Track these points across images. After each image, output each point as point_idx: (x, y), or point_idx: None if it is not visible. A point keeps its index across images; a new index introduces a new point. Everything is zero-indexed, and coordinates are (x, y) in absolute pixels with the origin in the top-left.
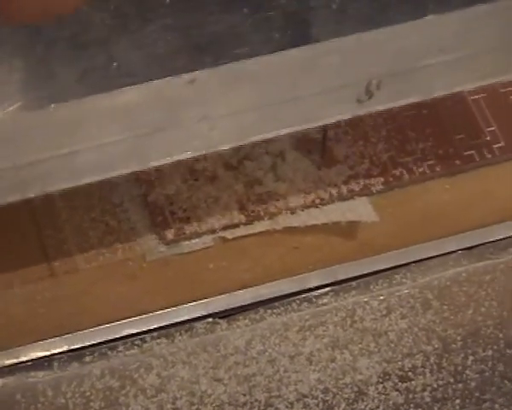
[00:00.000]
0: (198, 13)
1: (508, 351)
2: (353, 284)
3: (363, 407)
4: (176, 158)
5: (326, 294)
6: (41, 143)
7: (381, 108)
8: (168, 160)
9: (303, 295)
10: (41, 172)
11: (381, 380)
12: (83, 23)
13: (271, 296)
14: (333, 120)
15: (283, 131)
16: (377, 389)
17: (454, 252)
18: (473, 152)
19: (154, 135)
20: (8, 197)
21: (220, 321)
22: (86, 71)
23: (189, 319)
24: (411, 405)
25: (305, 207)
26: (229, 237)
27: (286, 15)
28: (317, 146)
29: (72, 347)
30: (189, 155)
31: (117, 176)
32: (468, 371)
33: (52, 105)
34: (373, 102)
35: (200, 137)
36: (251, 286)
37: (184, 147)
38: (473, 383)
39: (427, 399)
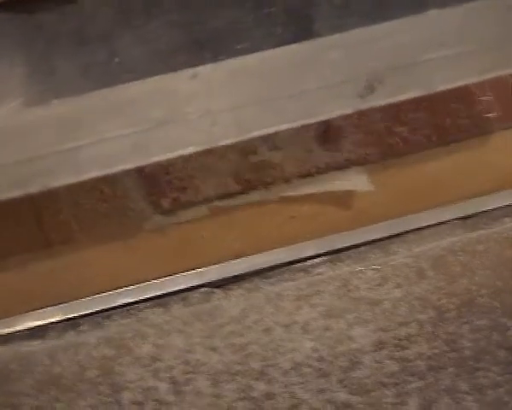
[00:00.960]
0: (200, 9)
1: (502, 320)
2: (349, 253)
3: (358, 375)
4: (177, 153)
5: (321, 263)
6: (43, 138)
7: (382, 102)
8: (170, 155)
9: (298, 265)
10: (43, 167)
11: (375, 349)
12: (86, 18)
13: (267, 266)
14: (334, 115)
15: (284, 126)
16: (372, 357)
17: (449, 222)
18: (468, 121)
19: (156, 130)
20: (9, 193)
21: (216, 290)
22: (89, 66)
23: (184, 289)
24: (406, 373)
25: (301, 176)
26: (225, 206)
27: (288, 11)
28: None
29: (68, 316)
30: (190, 149)
31: (120, 171)
32: (462, 340)
33: (54, 100)
34: (375, 97)
35: (201, 131)
36: (246, 256)
37: (186, 142)
38: (467, 352)
39: (422, 367)
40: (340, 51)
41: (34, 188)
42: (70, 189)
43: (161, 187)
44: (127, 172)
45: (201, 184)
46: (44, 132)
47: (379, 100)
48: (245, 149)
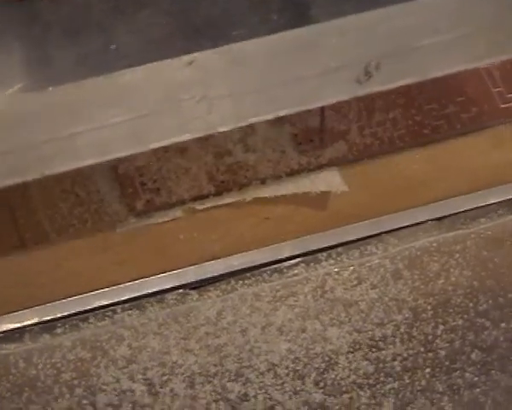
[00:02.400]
0: (196, 10)
1: (478, 320)
2: (324, 254)
3: (333, 376)
4: (175, 140)
5: (297, 264)
6: (39, 126)
7: (379, 88)
8: (167, 142)
9: (274, 266)
10: (40, 155)
11: (351, 350)
12: (82, 6)
13: (242, 267)
14: (332, 102)
15: (282, 113)
16: (348, 358)
17: (424, 222)
18: (443, 122)
19: (153, 117)
20: (6, 181)
21: (191, 292)
22: (85, 54)
23: (160, 290)
24: (381, 374)
25: (275, 177)
26: (199, 207)
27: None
28: (289, 116)
29: (44, 318)
30: (187, 136)
31: (117, 158)
32: (438, 341)
33: (50, 88)
34: (372, 83)
35: (198, 118)
36: (222, 257)
37: (183, 129)
38: (443, 353)
39: (398, 368)
40: (337, 37)
41: (31, 176)
42: (45, 190)
43: (135, 189)
44: (101, 174)
45: (175, 185)
46: (41, 120)
47: (376, 86)
48: (219, 150)
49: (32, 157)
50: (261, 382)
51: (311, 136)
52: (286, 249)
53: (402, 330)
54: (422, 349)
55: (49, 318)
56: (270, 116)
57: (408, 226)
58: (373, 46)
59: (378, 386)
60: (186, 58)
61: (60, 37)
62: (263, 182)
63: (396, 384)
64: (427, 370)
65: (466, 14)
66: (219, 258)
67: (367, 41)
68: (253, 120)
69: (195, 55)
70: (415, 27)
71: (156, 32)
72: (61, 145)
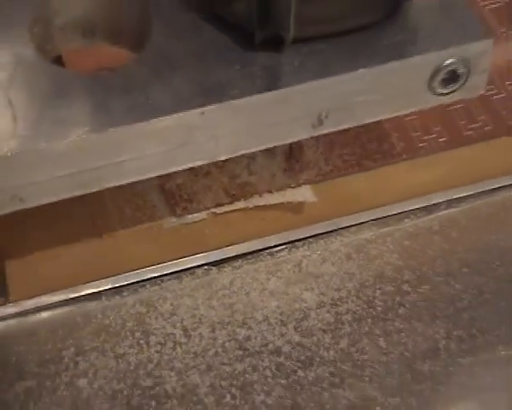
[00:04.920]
0: (207, 67)
1: (402, 286)
2: (301, 243)
3: (307, 324)
4: (191, 165)
5: (282, 250)
6: (101, 154)
7: (327, 131)
8: (185, 166)
9: (267, 251)
10: (99, 174)
11: (318, 307)
12: (129, 73)
13: (246, 251)
14: (296, 139)
15: (264, 146)
16: (316, 312)
17: (367, 222)
18: (379, 156)
19: (177, 149)
20: (74, 192)
21: (212, 268)
22: (132, 106)
23: (192, 267)
24: (338, 323)
25: (268, 192)
26: (218, 212)
27: (264, 69)
28: (280, 151)
29: (115, 285)
30: (199, 162)
31: (151, 177)
32: (376, 300)
33: (110, 129)
34: (323, 128)
35: (208, 150)
36: (233, 245)
37: (197, 157)
38: (379, 309)
39: (350, 318)
40: (300, 96)
41: (92, 189)
42: (116, 198)
43: (175, 199)
44: (152, 189)
45: (202, 197)
46: (102, 150)
47: (326, 129)
48: (231, 174)
49: (93, 176)
50: (259, 328)
51: (292, 165)
52: (275, 240)
53: (352, 293)
54: (365, 306)
55: (118, 285)
56: (256, 149)
57: (356, 224)
58: (324, 102)
59: (336, 331)
60: (200, 110)
61: (114, 93)
62: (260, 195)
63: (348, 329)
64: (369, 320)
65: (388, 80)
66: (231, 245)
67: (320, 99)
68: (245, 151)
69: (206, 107)
70: (354, 89)
71: (180, 92)
72: (113, 168)
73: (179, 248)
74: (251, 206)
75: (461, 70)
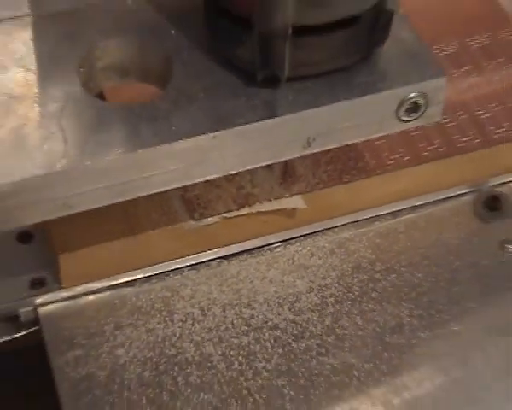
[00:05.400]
0: (218, 100)
1: (375, 275)
2: (294, 241)
3: (298, 305)
4: (205, 178)
5: (279, 246)
6: (133, 170)
7: (314, 151)
8: (200, 180)
9: (267, 247)
10: (132, 186)
11: (308, 291)
12: (155, 105)
13: (250, 247)
14: (289, 158)
15: (264, 163)
16: (306, 296)
17: (346, 224)
18: (355, 172)
19: (194, 166)
20: (112, 200)
21: (223, 261)
22: (158, 131)
23: (207, 260)
24: (324, 304)
25: (268, 200)
26: (228, 216)
27: (264, 101)
28: (277, 167)
29: (146, 275)
30: (212, 176)
31: (173, 188)
32: (354, 287)
33: (140, 150)
34: (311, 148)
35: (219, 166)
36: (240, 242)
37: (210, 172)
38: (356, 293)
39: (333, 301)
40: (293, 123)
41: (127, 197)
42: (146, 205)
43: (194, 206)
44: (176, 198)
45: (215, 205)
46: (133, 167)
47: (313, 150)
48: (238, 185)
49: (128, 187)
50: (260, 309)
51: (286, 179)
52: (273, 238)
53: (335, 281)
54: (345, 291)
55: (148, 274)
56: (257, 165)
57: (338, 226)
58: (312, 128)
59: (322, 311)
60: (212, 134)
61: (143, 121)
62: (261, 203)
63: (332, 310)
64: (348, 302)
65: (362, 110)
66: (238, 243)
67: (309, 125)
68: (249, 167)
69: (217, 132)
70: (336, 118)
71: (197, 119)
72: (143, 181)
73: (197, 246)
74: (254, 211)
75: (421, 102)
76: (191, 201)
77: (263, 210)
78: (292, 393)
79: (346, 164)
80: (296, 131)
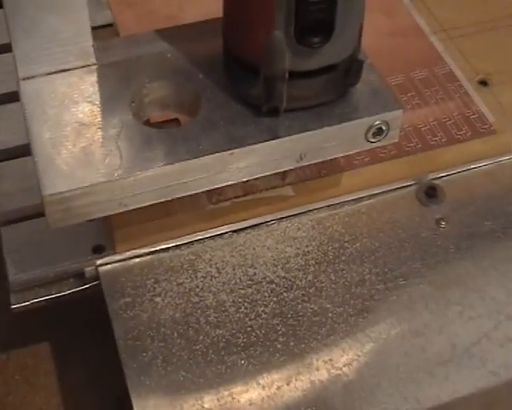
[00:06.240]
0: (234, 127)
1: (345, 245)
2: (285, 219)
3: (288, 266)
4: (224, 184)
5: (274, 223)
6: (171, 178)
7: (305, 164)
8: (222, 185)
9: (265, 223)
10: (171, 189)
11: (295, 256)
12: (187, 130)
13: (253, 224)
14: (286, 169)
15: (268, 173)
16: (294, 259)
17: (323, 207)
18: (331, 168)
19: (216, 175)
20: (157, 200)
21: (233, 234)
22: (189, 149)
23: (221, 233)
24: (307, 265)
25: (267, 189)
26: (237, 201)
27: (268, 127)
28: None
29: (176, 243)
30: (230, 183)
31: (200, 190)
32: (329, 252)
33: (176, 163)
34: (302, 162)
35: (234, 175)
36: (245, 220)
37: (228, 179)
38: (331, 257)
39: (313, 262)
40: (289, 143)
41: (167, 198)
42: (176, 204)
43: (212, 194)
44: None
45: (228, 192)
46: (172, 175)
47: (304, 163)
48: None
49: (168, 190)
50: (260, 268)
51: (280, 174)
52: (270, 217)
53: (315, 248)
54: (323, 255)
55: (178, 243)
56: (262, 175)
57: (316, 209)
58: (303, 147)
59: (305, 269)
60: (230, 152)
61: (179, 142)
62: (261, 191)
63: (312, 269)
64: (325, 263)
65: (342, 134)
66: (244, 220)
67: (301, 145)
68: (255, 176)
69: (234, 150)
70: (321, 139)
71: (218, 140)
72: (181, 185)
73: (214, 222)
74: (256, 198)
75: (384, 128)
76: (212, 194)
77: (263, 196)
78: (283, 329)
79: (323, 163)
80: (291, 149)
